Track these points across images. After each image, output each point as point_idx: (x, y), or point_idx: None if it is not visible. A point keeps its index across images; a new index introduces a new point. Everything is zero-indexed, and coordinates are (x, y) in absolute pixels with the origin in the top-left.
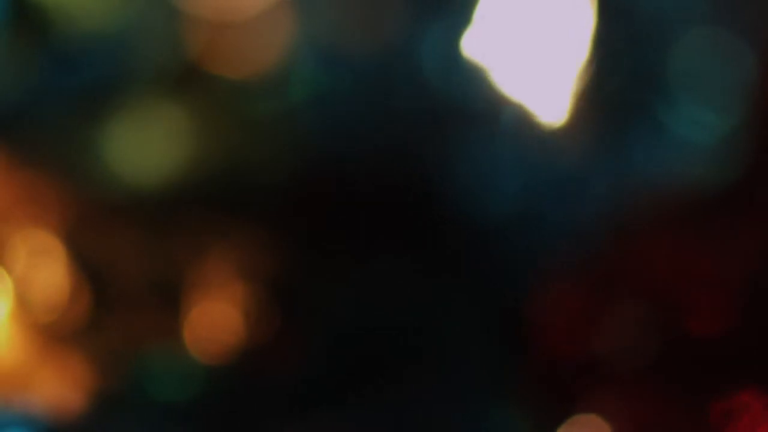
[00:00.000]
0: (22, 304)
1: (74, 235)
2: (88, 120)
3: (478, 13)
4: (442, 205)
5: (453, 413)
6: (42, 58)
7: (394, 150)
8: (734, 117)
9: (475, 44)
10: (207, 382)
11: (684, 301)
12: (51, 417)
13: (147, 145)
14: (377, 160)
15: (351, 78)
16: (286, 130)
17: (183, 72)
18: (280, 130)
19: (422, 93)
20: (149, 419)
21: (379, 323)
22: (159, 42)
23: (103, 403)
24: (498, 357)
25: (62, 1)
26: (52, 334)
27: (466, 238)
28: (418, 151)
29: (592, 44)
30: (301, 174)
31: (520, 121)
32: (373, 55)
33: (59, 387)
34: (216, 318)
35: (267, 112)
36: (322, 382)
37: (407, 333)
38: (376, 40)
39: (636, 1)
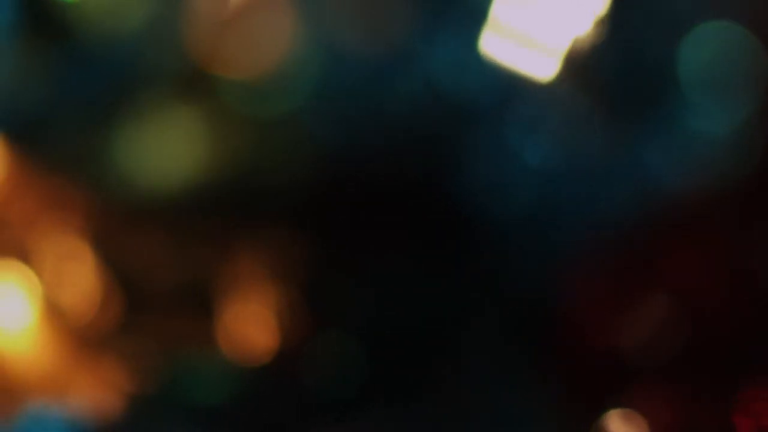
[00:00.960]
0: (54, 308)
1: (102, 239)
2: (108, 125)
3: (490, 10)
4: (463, 203)
5: (483, 411)
6: (59, 63)
7: (412, 147)
8: (748, 109)
9: (488, 40)
10: (241, 384)
11: (708, 295)
12: (88, 420)
13: (167, 149)
14: (395, 157)
15: (364, 76)
16: (301, 129)
17: (195, 75)
18: (295, 129)
19: (436, 91)
20: (184, 422)
21: (406, 323)
22: (172, 45)
23: (139, 406)
24: (526, 354)
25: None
26: (85, 338)
27: (489, 234)
28: (438, 148)
29: (606, 37)
30: (319, 173)
31: (537, 116)
32: (385, 53)
33: (95, 390)
34: (248, 319)
35: (280, 112)
36: (354, 383)
37: (435, 332)
38: (387, 38)
39: None
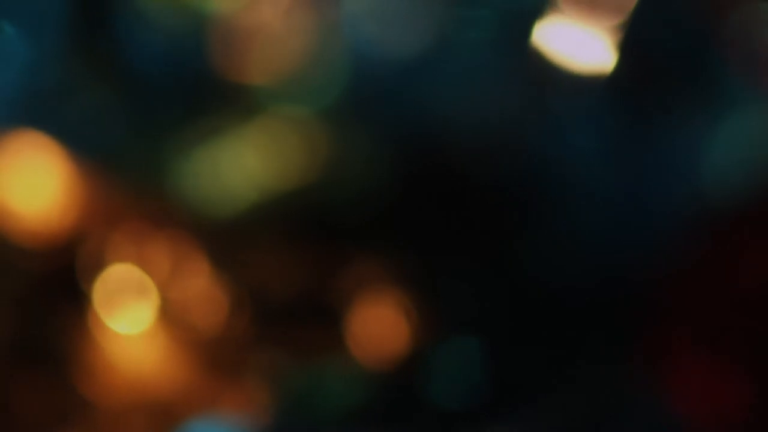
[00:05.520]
0: (180, 323)
1: (222, 253)
2: (193, 140)
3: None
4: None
5: (604, 416)
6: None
7: (486, 146)
8: None
9: (543, 30)
10: (370, 390)
11: None
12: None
13: (262, 162)
14: (467, 154)
15: (422, 74)
16: (370, 131)
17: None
18: (365, 132)
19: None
20: (319, 429)
21: (525, 327)
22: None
23: (276, 416)
24: (640, 354)
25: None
26: (218, 351)
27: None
28: (508, 145)
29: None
30: (397, 173)
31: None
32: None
33: (235, 403)
34: (375, 324)
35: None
36: (478, 388)
37: (554, 336)
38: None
39: None
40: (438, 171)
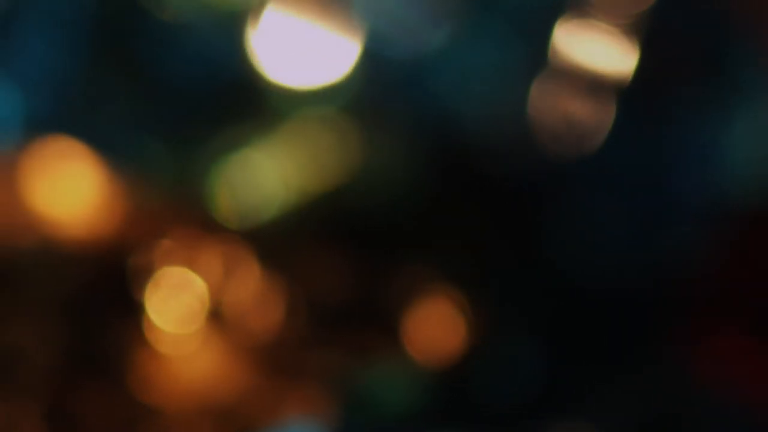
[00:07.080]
0: (236, 326)
1: (273, 257)
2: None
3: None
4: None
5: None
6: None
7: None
8: None
9: (559, 33)
10: (428, 389)
11: None
12: None
13: (297, 163)
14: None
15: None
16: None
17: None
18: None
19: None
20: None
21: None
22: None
23: (335, 417)
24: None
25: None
26: (275, 354)
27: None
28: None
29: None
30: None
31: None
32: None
33: (295, 406)
34: (430, 325)
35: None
36: (532, 387)
37: (609, 337)
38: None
39: None
40: (464, 169)
